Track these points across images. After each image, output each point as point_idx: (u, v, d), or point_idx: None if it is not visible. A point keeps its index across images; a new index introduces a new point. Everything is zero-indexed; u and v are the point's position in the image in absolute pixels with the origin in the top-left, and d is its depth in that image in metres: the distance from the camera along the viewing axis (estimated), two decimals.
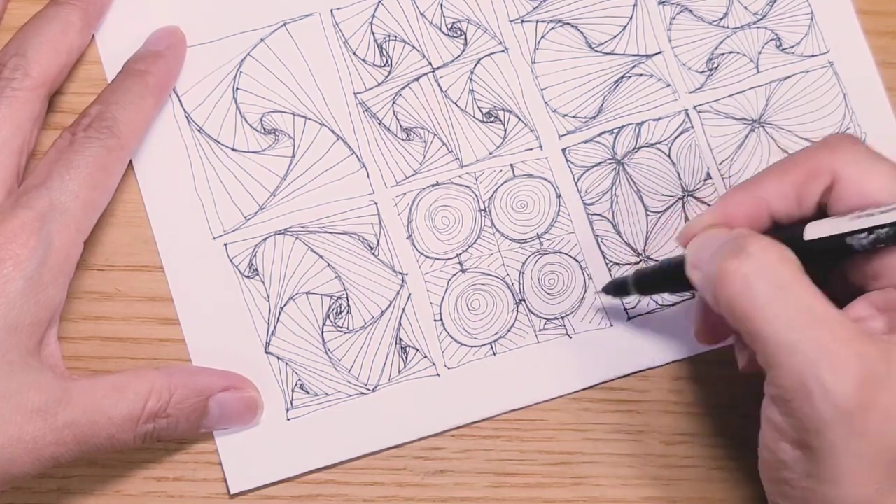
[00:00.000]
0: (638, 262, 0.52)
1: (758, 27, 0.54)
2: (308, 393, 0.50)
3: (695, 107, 0.54)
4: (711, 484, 0.51)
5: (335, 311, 0.51)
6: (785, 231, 0.43)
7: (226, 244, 0.51)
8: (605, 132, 0.53)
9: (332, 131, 0.52)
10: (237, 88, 0.52)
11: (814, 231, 0.41)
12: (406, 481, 0.50)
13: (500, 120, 0.53)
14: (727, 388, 0.51)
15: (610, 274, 0.52)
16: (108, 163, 0.47)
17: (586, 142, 0.53)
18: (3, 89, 0.47)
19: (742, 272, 0.40)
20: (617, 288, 0.50)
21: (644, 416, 0.51)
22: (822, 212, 0.43)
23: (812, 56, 0.54)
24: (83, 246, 0.46)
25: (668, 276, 0.47)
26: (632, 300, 0.51)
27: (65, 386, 0.44)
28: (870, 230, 0.39)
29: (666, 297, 0.51)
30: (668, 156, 0.53)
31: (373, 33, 0.53)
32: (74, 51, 0.50)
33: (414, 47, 0.53)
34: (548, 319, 0.52)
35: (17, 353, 0.44)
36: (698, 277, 0.43)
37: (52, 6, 0.50)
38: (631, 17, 0.54)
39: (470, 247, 0.52)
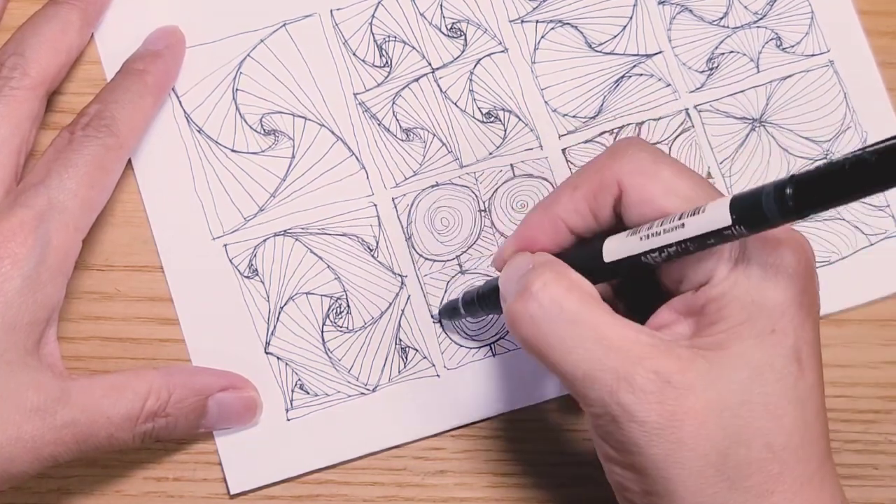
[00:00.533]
0: None
1: (758, 27, 0.54)
2: (308, 393, 0.50)
3: (695, 106, 0.54)
4: None
5: (335, 311, 0.51)
6: (586, 248, 0.42)
7: (225, 245, 0.51)
8: (605, 132, 0.53)
9: (332, 132, 0.52)
10: (237, 89, 0.52)
11: (610, 252, 0.41)
12: (406, 481, 0.51)
13: (500, 120, 0.53)
14: None
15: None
16: (107, 161, 0.47)
17: (586, 142, 0.53)
18: (2, 88, 0.47)
19: (528, 314, 0.40)
20: (449, 312, 0.51)
21: None
22: (619, 222, 0.42)
23: (812, 55, 0.54)
24: (81, 245, 0.46)
25: (489, 301, 0.47)
26: (468, 320, 0.51)
27: (63, 385, 0.44)
28: (660, 249, 0.39)
29: None
30: (669, 155, 0.53)
31: (372, 34, 0.53)
32: (73, 50, 0.50)
33: (414, 48, 0.53)
34: None
35: (16, 353, 0.44)
36: (506, 315, 0.43)
37: (50, 5, 0.50)
38: (631, 17, 0.54)
39: (469, 248, 0.52)
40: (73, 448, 0.44)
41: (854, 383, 0.52)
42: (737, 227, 0.36)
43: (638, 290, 0.44)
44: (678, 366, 0.38)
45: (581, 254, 0.42)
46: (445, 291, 0.51)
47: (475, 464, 0.51)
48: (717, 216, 0.37)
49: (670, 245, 0.38)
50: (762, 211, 0.35)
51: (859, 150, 0.33)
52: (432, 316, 0.51)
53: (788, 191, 0.34)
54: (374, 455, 0.50)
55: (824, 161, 0.35)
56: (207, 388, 0.48)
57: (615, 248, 0.41)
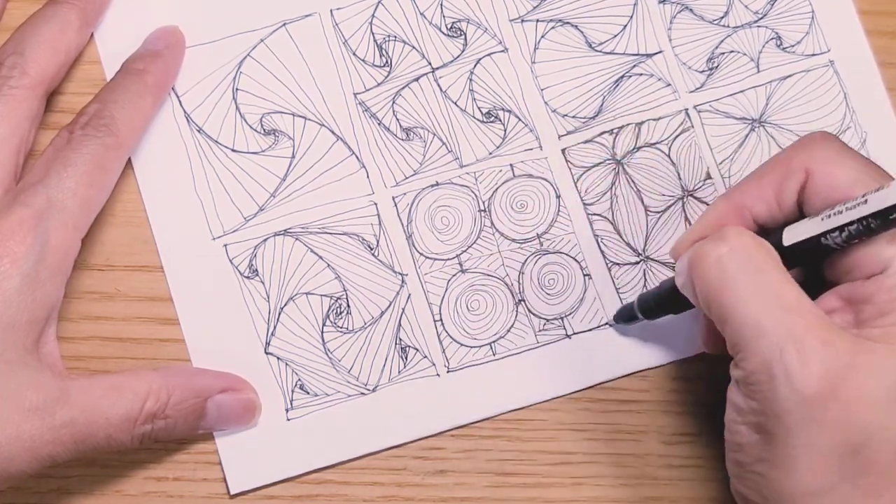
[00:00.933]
0: (638, 262, 0.52)
1: (758, 26, 0.54)
2: (308, 393, 0.50)
3: (695, 106, 0.54)
4: (711, 484, 0.51)
5: (335, 311, 0.51)
6: (768, 239, 0.43)
7: (226, 245, 0.51)
8: (604, 132, 0.53)
9: (332, 132, 0.52)
10: (237, 89, 0.52)
11: (791, 236, 0.42)
12: (406, 481, 0.50)
13: (500, 120, 0.53)
14: (727, 388, 0.51)
15: (610, 274, 0.52)
16: (106, 161, 0.47)
17: (586, 142, 0.53)
18: (1, 87, 0.47)
19: (716, 254, 0.41)
20: (625, 315, 0.51)
21: (644, 416, 0.51)
22: (801, 212, 0.43)
23: (813, 55, 0.54)
24: (81, 244, 0.46)
25: (667, 298, 0.47)
26: (643, 323, 0.51)
27: (63, 385, 0.44)
28: (840, 228, 0.40)
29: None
30: (668, 156, 0.53)
31: (372, 33, 0.53)
32: (72, 50, 0.50)
33: (413, 47, 0.53)
34: (547, 320, 0.52)
35: (15, 352, 0.44)
36: (681, 282, 0.44)
37: (50, 5, 0.50)
38: (631, 17, 0.54)
39: (469, 247, 0.52)
40: (72, 448, 0.44)
41: None
42: None
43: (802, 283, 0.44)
44: (849, 349, 0.39)
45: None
46: (446, 290, 0.51)
47: (475, 464, 0.51)
48: None
49: (852, 223, 0.39)
50: None
51: None
52: (431, 311, 0.51)
53: None
54: (373, 455, 0.50)
55: None
56: (207, 390, 0.48)
57: (796, 231, 0.42)
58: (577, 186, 0.53)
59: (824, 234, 0.40)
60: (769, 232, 0.43)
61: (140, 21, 0.52)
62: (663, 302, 0.48)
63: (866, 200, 0.39)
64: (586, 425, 0.51)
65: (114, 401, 0.45)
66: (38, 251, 0.44)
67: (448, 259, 0.52)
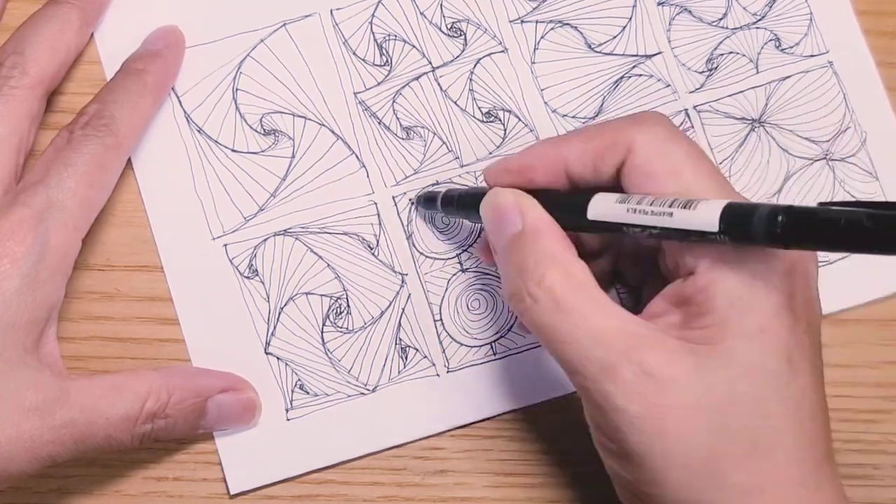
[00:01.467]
0: None
1: (757, 27, 0.54)
2: (308, 393, 0.50)
3: (695, 107, 0.54)
4: None
5: (335, 311, 0.51)
6: (575, 199, 0.42)
7: (225, 245, 0.51)
8: None
9: (332, 131, 0.52)
10: (237, 89, 0.52)
11: (596, 209, 0.41)
12: (406, 481, 0.50)
13: (500, 120, 0.53)
14: None
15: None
16: (106, 161, 0.47)
17: None
18: (1, 87, 0.47)
19: (526, 307, 0.41)
20: (426, 200, 0.51)
21: None
22: (617, 184, 0.43)
23: (811, 56, 0.54)
24: (81, 244, 0.46)
25: (468, 206, 0.47)
26: (439, 215, 0.51)
27: (63, 385, 0.44)
28: (643, 227, 0.40)
29: None
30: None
31: (372, 33, 0.53)
32: (72, 50, 0.50)
33: (414, 46, 0.53)
34: None
35: (15, 352, 0.44)
36: (494, 248, 0.44)
37: (50, 5, 0.50)
38: (630, 18, 0.54)
39: (470, 246, 0.52)
40: (72, 448, 0.44)
41: (854, 383, 0.52)
42: (721, 235, 0.37)
43: (641, 271, 0.44)
44: (664, 358, 0.39)
45: (569, 202, 0.43)
46: (446, 290, 0.51)
47: (475, 464, 0.51)
48: (706, 218, 0.37)
49: (654, 227, 0.39)
50: (749, 229, 0.36)
51: (859, 206, 0.33)
52: (431, 311, 0.51)
53: (781, 219, 0.35)
54: (374, 455, 0.50)
55: (825, 204, 0.35)
56: (207, 390, 0.48)
57: (601, 209, 0.41)
58: None
59: (626, 225, 0.40)
60: (579, 192, 0.43)
61: (140, 21, 0.52)
62: (463, 207, 0.48)
63: (671, 214, 0.39)
64: (586, 425, 0.51)
65: (114, 401, 0.45)
66: (38, 251, 0.44)
67: (448, 258, 0.52)
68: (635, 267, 0.49)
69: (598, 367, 0.39)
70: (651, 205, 0.39)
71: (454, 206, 0.49)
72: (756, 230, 0.36)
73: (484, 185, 0.47)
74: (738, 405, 0.38)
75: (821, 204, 0.36)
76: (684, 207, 0.38)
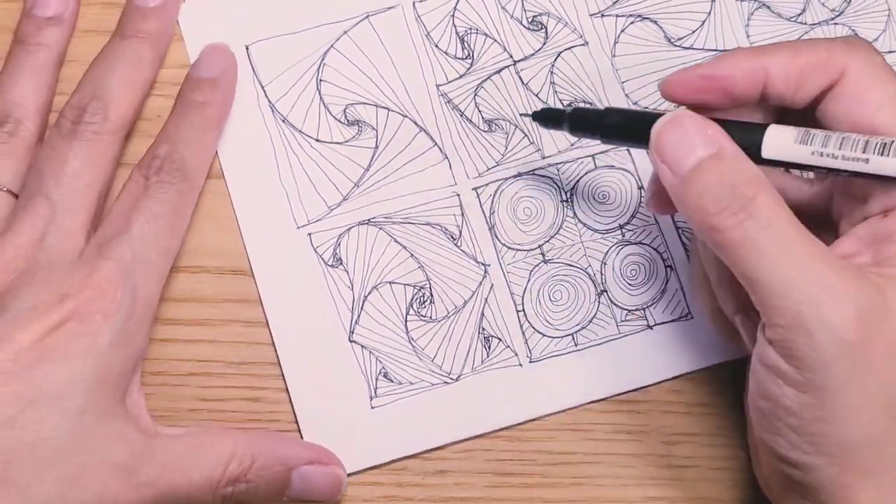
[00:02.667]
0: None
1: (835, 23, 0.55)
2: (392, 381, 0.50)
3: None
4: (711, 484, 0.51)
5: (418, 300, 0.51)
6: (746, 131, 0.41)
7: (310, 234, 0.51)
8: None
9: (415, 123, 0.52)
10: (321, 80, 0.52)
11: (772, 149, 0.40)
12: (406, 481, 0.50)
13: None
14: (727, 387, 0.51)
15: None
16: (183, 207, 0.48)
17: None
18: (85, 133, 0.47)
19: (738, 218, 0.39)
20: (548, 117, 0.49)
21: (644, 416, 0.51)
22: (813, 110, 0.42)
23: (889, 52, 0.55)
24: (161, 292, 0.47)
25: (628, 131, 0.45)
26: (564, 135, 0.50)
27: (148, 441, 0.44)
28: (830, 170, 0.38)
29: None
30: None
31: (454, 26, 0.53)
32: (147, 86, 0.50)
33: (495, 40, 0.53)
34: (629, 310, 0.52)
35: (107, 404, 0.44)
36: (667, 177, 0.42)
37: (119, 40, 0.50)
38: (709, 13, 0.54)
39: (552, 237, 0.52)
40: None
41: None
42: None
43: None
44: (877, 290, 0.38)
45: (739, 136, 0.41)
46: (528, 280, 0.51)
47: (475, 464, 0.51)
48: None
49: (844, 171, 0.38)
50: None
51: None
52: (514, 301, 0.51)
53: None
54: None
55: None
56: (293, 460, 0.48)
57: (779, 148, 0.39)
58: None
59: (812, 167, 0.39)
60: (749, 124, 0.41)
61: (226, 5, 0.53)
62: (623, 132, 0.45)
63: (867, 160, 0.37)
64: (586, 425, 0.51)
65: (196, 461, 0.45)
66: (127, 306, 0.44)
67: (530, 250, 0.52)
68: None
69: (816, 287, 0.38)
70: (840, 147, 0.38)
71: (604, 128, 0.46)
72: None
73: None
74: None
75: None
76: (881, 153, 0.37)
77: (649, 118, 0.43)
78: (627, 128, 0.45)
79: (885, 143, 0.37)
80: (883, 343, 0.38)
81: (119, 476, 0.43)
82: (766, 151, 0.40)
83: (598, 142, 0.47)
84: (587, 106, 0.49)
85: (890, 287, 0.38)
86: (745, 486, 0.51)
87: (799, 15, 0.55)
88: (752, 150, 0.40)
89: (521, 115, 0.52)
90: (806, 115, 0.42)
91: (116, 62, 0.49)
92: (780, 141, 0.40)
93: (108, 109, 0.48)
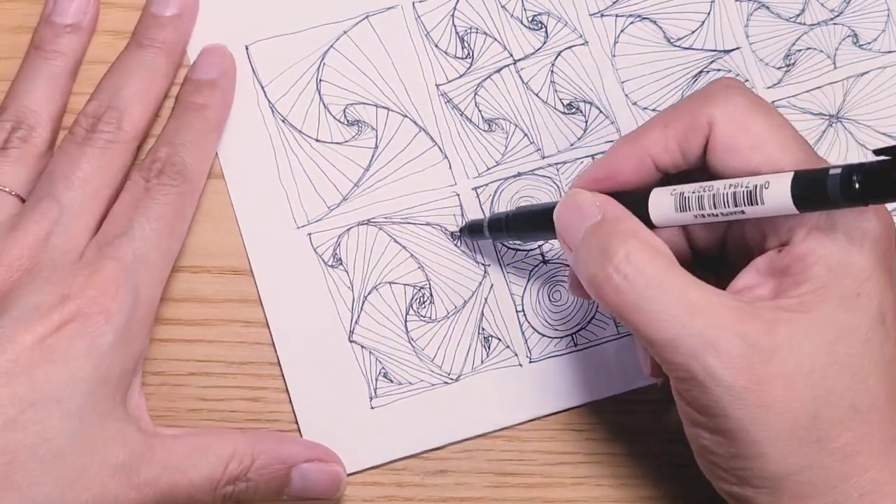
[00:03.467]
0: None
1: (835, 23, 0.55)
2: (392, 381, 0.50)
3: (773, 102, 0.54)
4: (711, 484, 0.51)
5: (418, 300, 0.51)
6: (633, 199, 0.42)
7: (310, 234, 0.51)
8: None
9: (415, 122, 0.52)
10: (320, 80, 0.52)
11: (658, 218, 0.41)
12: (406, 481, 0.50)
13: (581, 112, 0.53)
14: None
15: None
16: (184, 209, 0.48)
17: None
18: (98, 140, 0.47)
19: (613, 284, 0.40)
20: (470, 231, 0.51)
21: (644, 416, 0.51)
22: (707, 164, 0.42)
23: (889, 52, 0.55)
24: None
25: (536, 224, 0.47)
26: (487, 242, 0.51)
27: (148, 441, 0.44)
28: (715, 216, 0.39)
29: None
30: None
31: (454, 26, 0.53)
32: (161, 96, 0.50)
33: (495, 39, 0.53)
34: None
35: (107, 405, 0.44)
36: (569, 255, 0.43)
37: (136, 50, 0.50)
38: (709, 13, 0.54)
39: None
40: None
41: None
42: (801, 210, 0.37)
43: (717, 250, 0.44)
44: (764, 329, 0.38)
45: (636, 208, 0.42)
46: (528, 281, 0.51)
47: (475, 464, 0.51)
48: (779, 203, 0.37)
49: (734, 220, 0.39)
50: (826, 197, 0.36)
51: None
52: (513, 301, 0.51)
53: (856, 177, 0.35)
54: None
55: (881, 151, 0.35)
56: (293, 458, 0.48)
57: (665, 217, 0.41)
58: None
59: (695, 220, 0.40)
60: (635, 192, 0.42)
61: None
62: (531, 225, 0.47)
63: (743, 212, 0.39)
64: (586, 425, 0.51)
65: (196, 461, 0.45)
66: (129, 306, 0.44)
67: (530, 250, 0.52)
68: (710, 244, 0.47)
69: (699, 341, 0.38)
70: (714, 206, 0.39)
71: (515, 228, 0.48)
72: (835, 195, 0.35)
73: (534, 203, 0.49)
74: (838, 369, 0.38)
75: (876, 151, 0.35)
76: (751, 202, 0.38)
77: (547, 208, 0.45)
78: (535, 222, 0.47)
79: (751, 192, 0.38)
80: (779, 380, 0.38)
81: (119, 477, 0.43)
82: (656, 220, 0.41)
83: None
84: (501, 214, 0.50)
85: (782, 321, 0.39)
86: None
87: (798, 15, 0.55)
88: (646, 220, 0.42)
89: (451, 233, 0.52)
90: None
91: (131, 72, 0.49)
92: (662, 211, 0.41)
93: (122, 119, 0.48)
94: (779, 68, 0.54)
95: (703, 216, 0.40)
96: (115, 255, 0.45)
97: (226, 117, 0.51)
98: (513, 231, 0.48)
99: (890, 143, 0.54)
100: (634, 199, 0.42)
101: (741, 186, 0.39)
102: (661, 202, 0.41)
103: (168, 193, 0.47)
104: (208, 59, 0.51)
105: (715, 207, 0.39)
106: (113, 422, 0.44)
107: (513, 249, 0.52)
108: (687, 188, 0.40)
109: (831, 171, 0.36)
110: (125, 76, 0.49)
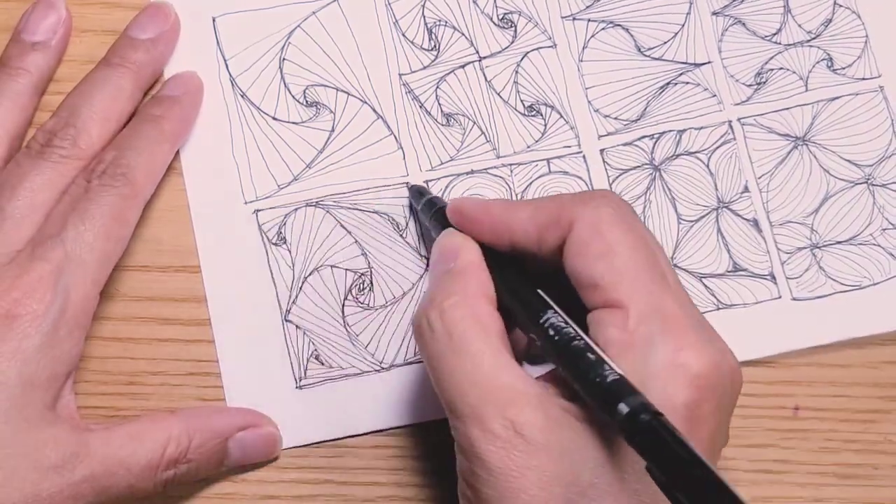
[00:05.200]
0: None
1: (810, 45, 0.54)
2: (322, 364, 0.50)
3: (739, 119, 0.53)
4: None
5: (358, 286, 0.51)
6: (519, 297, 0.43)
7: (257, 210, 0.51)
8: (645, 136, 0.53)
9: (374, 109, 0.52)
10: (284, 59, 0.53)
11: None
12: (406, 481, 0.50)
13: (542, 115, 0.53)
14: None
15: None
16: (124, 212, 0.47)
17: (625, 144, 0.53)
18: (52, 155, 0.47)
19: (424, 329, 0.41)
20: (418, 193, 0.51)
21: None
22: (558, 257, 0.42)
23: (863, 79, 0.54)
24: (99, 297, 0.46)
25: (430, 217, 0.48)
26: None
27: (81, 438, 0.44)
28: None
29: None
30: (707, 166, 0.53)
31: (424, 16, 0.53)
32: (123, 116, 0.50)
33: (463, 34, 0.53)
34: None
35: (34, 409, 0.43)
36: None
37: (104, 67, 0.50)
38: (683, 25, 0.54)
39: None
40: (93, 500, 0.44)
41: (853, 383, 0.51)
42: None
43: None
44: (541, 424, 0.38)
45: (515, 291, 0.43)
46: None
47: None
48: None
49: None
50: (613, 414, 0.36)
51: (695, 461, 0.34)
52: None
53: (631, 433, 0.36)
54: (375, 453, 0.50)
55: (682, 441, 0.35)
56: (227, 430, 0.48)
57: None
58: (611, 188, 0.52)
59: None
60: (523, 289, 0.43)
61: None
62: (426, 216, 0.49)
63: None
64: None
65: (133, 450, 0.45)
66: (57, 308, 0.44)
67: None
68: None
69: (469, 411, 0.39)
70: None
71: (428, 217, 0.49)
72: (617, 417, 0.36)
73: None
74: (598, 491, 0.38)
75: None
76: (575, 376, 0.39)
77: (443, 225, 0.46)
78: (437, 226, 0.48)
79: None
80: (536, 474, 0.38)
81: (52, 477, 0.43)
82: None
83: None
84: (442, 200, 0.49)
85: (568, 423, 0.39)
86: (744, 486, 0.51)
87: (774, 34, 0.54)
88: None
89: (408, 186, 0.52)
90: None
91: (95, 91, 0.49)
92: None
93: (79, 137, 0.48)
94: (749, 85, 0.54)
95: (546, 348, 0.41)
96: (45, 257, 0.44)
97: (183, 134, 0.51)
98: (428, 220, 0.49)
99: (854, 171, 0.53)
100: (519, 283, 0.43)
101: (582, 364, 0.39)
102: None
103: (108, 195, 0.46)
104: (175, 80, 0.51)
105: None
106: (42, 425, 0.43)
107: None
108: (556, 328, 0.40)
109: (619, 407, 0.36)
110: (88, 94, 0.49)
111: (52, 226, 0.45)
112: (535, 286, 0.42)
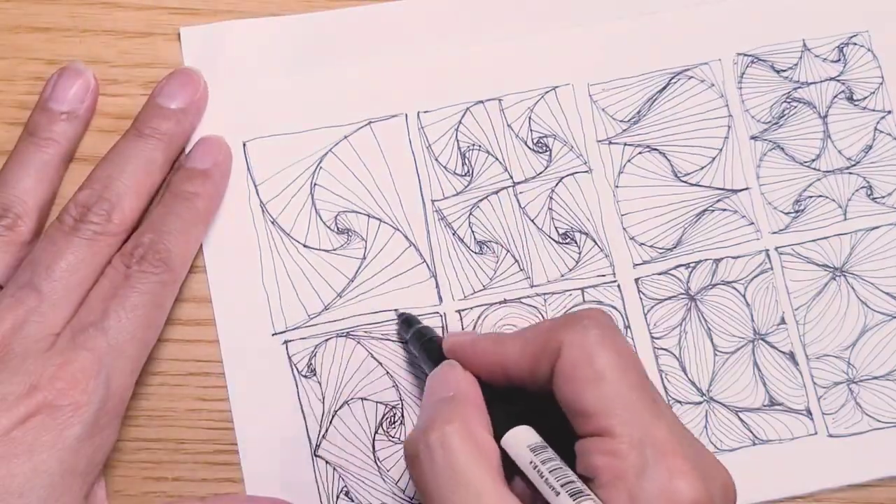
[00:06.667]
0: (700, 402, 0.51)
1: (850, 173, 0.53)
2: (353, 501, 0.50)
3: (776, 248, 0.52)
4: None
5: (389, 419, 0.50)
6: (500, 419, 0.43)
7: (286, 341, 0.51)
8: (680, 265, 0.52)
9: (406, 237, 0.52)
10: (315, 184, 0.52)
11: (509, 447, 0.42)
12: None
13: (576, 242, 0.52)
14: None
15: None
16: (163, 299, 0.47)
17: (660, 273, 0.52)
18: (86, 231, 0.47)
19: (421, 457, 0.40)
20: (405, 322, 0.50)
21: None
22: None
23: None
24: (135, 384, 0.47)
25: (423, 349, 0.48)
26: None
27: None
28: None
29: None
30: (744, 296, 0.52)
31: (457, 140, 0.52)
32: (155, 189, 0.50)
33: (497, 159, 0.52)
34: None
35: (71, 498, 0.43)
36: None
37: (134, 137, 0.49)
38: (721, 150, 0.53)
39: None
40: None
41: None
42: None
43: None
44: None
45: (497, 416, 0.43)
46: None
47: None
48: None
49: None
50: None
51: None
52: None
53: None
54: None
55: None
56: None
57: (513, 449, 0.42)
58: (646, 318, 0.52)
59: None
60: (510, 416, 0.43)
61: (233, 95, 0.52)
62: (417, 347, 0.49)
63: (558, 493, 0.39)
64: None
65: None
66: (99, 399, 0.44)
67: None
68: None
69: None
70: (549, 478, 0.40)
71: (417, 347, 0.48)
72: None
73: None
74: None
75: None
76: (572, 497, 0.39)
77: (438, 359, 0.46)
78: (428, 359, 0.47)
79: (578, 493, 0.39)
80: None
81: None
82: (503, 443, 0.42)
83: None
84: (431, 330, 0.49)
85: None
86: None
87: (814, 160, 0.53)
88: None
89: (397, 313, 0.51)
90: None
91: (128, 164, 0.49)
92: (514, 442, 0.42)
93: (113, 212, 0.47)
94: (787, 213, 0.53)
95: (536, 465, 0.41)
96: (88, 346, 0.44)
97: (215, 209, 0.51)
98: (417, 351, 0.49)
99: (892, 304, 0.52)
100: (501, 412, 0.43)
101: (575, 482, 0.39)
102: (518, 439, 0.42)
103: (148, 281, 0.46)
104: (204, 148, 0.51)
105: (550, 478, 0.40)
106: None
107: None
108: (542, 457, 0.41)
109: None
110: (120, 166, 0.49)
111: (92, 312, 0.45)
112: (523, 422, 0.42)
